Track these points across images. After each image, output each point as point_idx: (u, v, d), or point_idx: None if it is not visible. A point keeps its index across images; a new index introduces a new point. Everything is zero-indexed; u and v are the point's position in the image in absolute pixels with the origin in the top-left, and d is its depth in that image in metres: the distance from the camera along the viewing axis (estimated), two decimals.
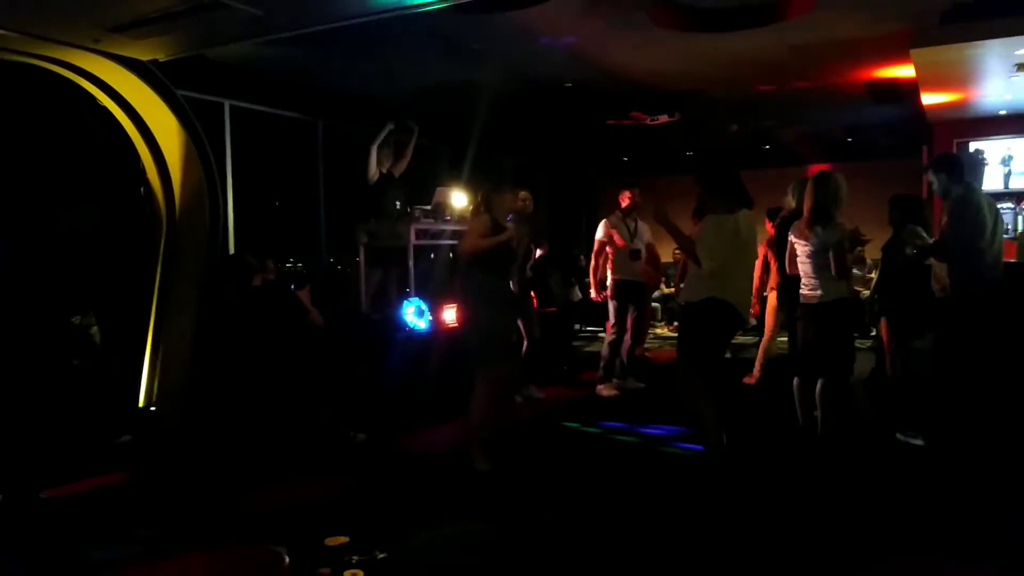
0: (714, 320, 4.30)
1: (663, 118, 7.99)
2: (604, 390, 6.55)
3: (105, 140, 5.43)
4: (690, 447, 4.77)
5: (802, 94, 7.98)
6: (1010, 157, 8.45)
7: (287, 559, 3.24)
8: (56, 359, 5.09)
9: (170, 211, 5.08)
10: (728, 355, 6.73)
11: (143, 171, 5.12)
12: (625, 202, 6.61)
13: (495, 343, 4.50)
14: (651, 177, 11.59)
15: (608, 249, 6.57)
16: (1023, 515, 3.67)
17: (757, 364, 6.84)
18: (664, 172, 11.57)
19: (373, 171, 6.82)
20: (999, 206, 5.19)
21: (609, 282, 6.59)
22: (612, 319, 6.62)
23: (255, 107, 7.39)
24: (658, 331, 10.90)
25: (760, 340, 7.02)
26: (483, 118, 7.79)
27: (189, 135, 4.90)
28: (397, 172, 7.06)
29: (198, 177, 4.95)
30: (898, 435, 4.89)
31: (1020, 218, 7.77)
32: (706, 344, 4.36)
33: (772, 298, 6.44)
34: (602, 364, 6.61)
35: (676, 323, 11.02)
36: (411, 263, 6.73)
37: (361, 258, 6.98)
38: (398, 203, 6.87)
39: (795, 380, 4.79)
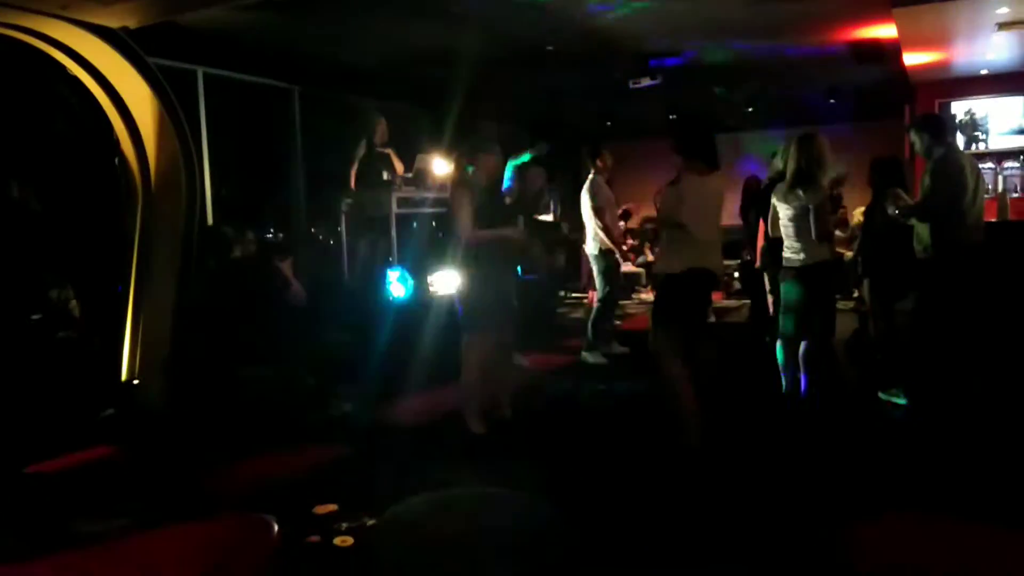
0: (695, 290, 4.14)
1: (645, 81, 7.91)
2: (591, 357, 6.55)
3: (77, 111, 5.32)
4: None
5: (784, 55, 7.94)
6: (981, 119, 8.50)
7: (277, 527, 3.26)
8: (35, 334, 5.03)
9: (145, 182, 4.99)
10: (712, 319, 6.75)
11: (117, 142, 5.02)
12: (607, 163, 6.55)
13: (481, 310, 4.52)
14: (634, 142, 11.57)
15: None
16: (1003, 471, 3.73)
17: None
18: (647, 135, 11.53)
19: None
20: (980, 166, 5.21)
21: (594, 251, 6.54)
22: (599, 287, 6.61)
23: (229, 74, 7.25)
24: (642, 296, 10.94)
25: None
26: (464, 83, 7.68)
27: (163, 104, 4.80)
28: (380, 141, 7.00)
29: (173, 147, 4.86)
30: (880, 395, 4.95)
31: (1000, 178, 7.82)
32: (685, 314, 4.16)
33: None
34: (590, 331, 6.60)
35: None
36: (394, 232, 6.69)
37: (343, 228, 6.93)
38: (385, 174, 6.81)
39: (778, 342, 4.82)
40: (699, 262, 4.05)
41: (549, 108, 10.69)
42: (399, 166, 6.97)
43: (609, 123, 12.01)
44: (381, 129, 6.96)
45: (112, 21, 4.43)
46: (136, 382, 5.06)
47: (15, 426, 4.32)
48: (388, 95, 8.57)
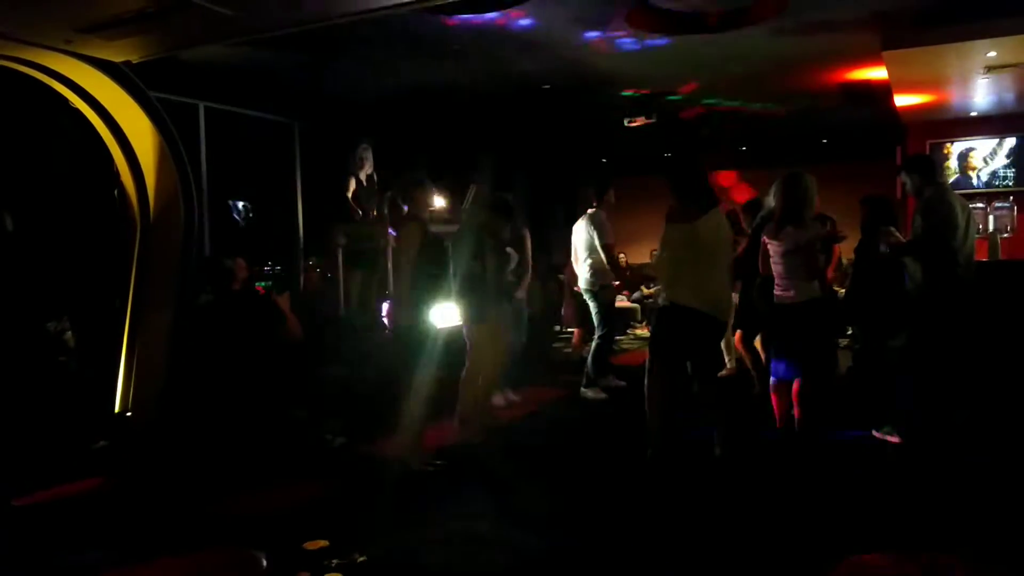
0: (675, 325, 4.29)
1: (640, 120, 8.03)
2: (591, 392, 6.53)
3: (78, 143, 5.37)
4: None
5: (778, 96, 8.07)
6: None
7: (265, 563, 3.23)
8: (31, 365, 5.02)
9: (144, 214, 5.02)
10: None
11: (117, 174, 5.07)
12: (610, 200, 6.58)
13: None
14: (629, 178, 11.68)
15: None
16: (996, 509, 3.72)
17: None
18: (642, 173, 11.64)
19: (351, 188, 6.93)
20: (971, 206, 5.27)
21: (590, 288, 6.55)
22: (596, 324, 6.61)
23: (230, 108, 7.34)
24: (638, 331, 10.95)
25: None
26: (462, 119, 7.78)
27: (163, 137, 4.85)
28: (365, 175, 7.10)
29: (173, 180, 4.90)
30: (874, 432, 4.94)
31: (991, 217, 7.89)
32: (667, 347, 4.35)
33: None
34: (589, 368, 6.58)
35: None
36: (390, 265, 6.72)
37: (339, 261, 6.98)
38: (375, 211, 6.89)
39: (772, 379, 4.83)
40: (682, 299, 4.22)
41: (544, 145, 10.81)
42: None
43: (604, 160, 12.14)
44: (366, 162, 7.05)
45: (115, 56, 4.50)
46: (129, 414, 5.03)
47: (5, 457, 4.30)
48: (386, 129, 8.68)
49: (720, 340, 4.74)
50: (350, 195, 6.89)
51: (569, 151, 11.53)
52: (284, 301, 5.51)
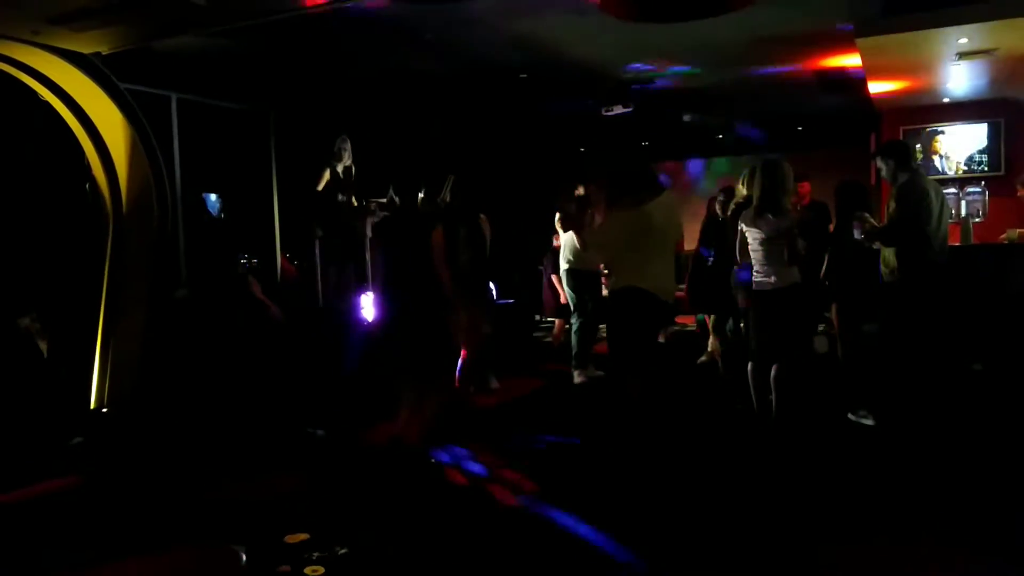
0: (633, 307, 4.17)
1: (617, 108, 8.03)
2: (577, 376, 6.58)
3: (48, 136, 5.28)
4: None
5: (753, 84, 8.10)
6: None
7: (244, 557, 3.22)
8: (3, 363, 4.95)
9: (117, 207, 4.96)
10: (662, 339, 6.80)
11: (88, 167, 5.00)
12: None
13: None
14: (607, 167, 11.67)
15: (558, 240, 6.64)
16: (970, 493, 3.78)
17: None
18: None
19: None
20: (944, 191, 5.33)
21: (564, 272, 6.64)
22: (574, 308, 6.67)
23: (204, 100, 7.23)
24: None
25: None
26: (438, 109, 7.74)
27: (135, 130, 4.80)
28: (343, 165, 7.08)
29: (145, 173, 4.85)
30: (849, 415, 5.00)
31: (964, 203, 7.99)
32: (628, 330, 4.25)
33: None
34: (573, 352, 6.63)
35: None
36: (367, 256, 6.70)
37: (316, 253, 6.94)
38: (354, 199, 6.86)
39: (749, 365, 4.86)
40: (636, 281, 4.09)
41: (522, 134, 10.79)
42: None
43: (582, 149, 12.14)
44: (344, 154, 7.01)
45: (84, 47, 4.43)
46: (105, 410, 4.98)
47: None
48: (362, 120, 8.62)
49: (664, 326, 4.72)
50: (321, 187, 6.87)
51: (547, 140, 11.51)
52: (256, 289, 5.46)
